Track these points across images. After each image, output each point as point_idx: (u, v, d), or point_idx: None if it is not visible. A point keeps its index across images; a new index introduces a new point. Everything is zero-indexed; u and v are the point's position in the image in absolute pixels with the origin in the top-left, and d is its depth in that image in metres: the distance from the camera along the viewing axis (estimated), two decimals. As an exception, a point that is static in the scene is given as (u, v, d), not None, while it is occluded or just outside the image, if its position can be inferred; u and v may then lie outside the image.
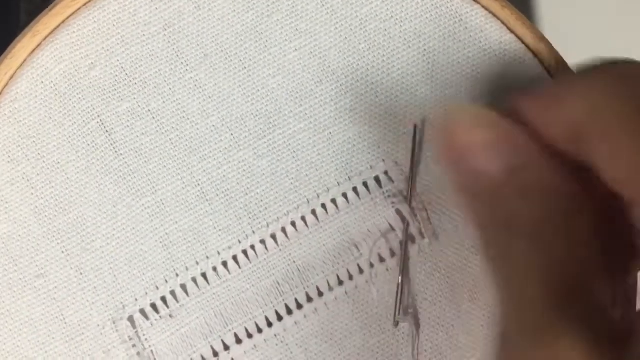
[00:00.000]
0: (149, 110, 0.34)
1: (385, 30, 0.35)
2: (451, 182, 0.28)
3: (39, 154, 0.34)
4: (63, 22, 0.34)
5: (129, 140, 0.34)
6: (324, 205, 0.34)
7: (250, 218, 0.34)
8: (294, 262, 0.34)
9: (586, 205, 0.27)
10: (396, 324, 0.33)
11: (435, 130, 0.31)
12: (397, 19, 0.35)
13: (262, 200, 0.34)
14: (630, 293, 0.28)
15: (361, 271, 0.34)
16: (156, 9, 0.35)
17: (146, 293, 0.33)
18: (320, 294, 0.34)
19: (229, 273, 0.34)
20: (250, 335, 0.33)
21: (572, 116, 0.27)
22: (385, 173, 0.34)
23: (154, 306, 0.33)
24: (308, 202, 0.34)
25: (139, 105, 0.34)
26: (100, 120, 0.34)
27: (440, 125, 0.29)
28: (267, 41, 0.35)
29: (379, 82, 0.34)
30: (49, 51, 0.34)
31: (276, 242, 0.34)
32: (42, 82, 0.34)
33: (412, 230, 0.34)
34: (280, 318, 0.34)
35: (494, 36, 0.34)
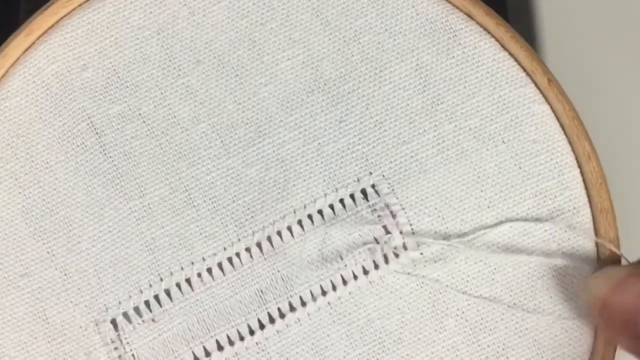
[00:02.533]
0: (140, 114, 0.34)
1: (379, 43, 0.35)
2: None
3: (28, 153, 0.34)
4: (57, 22, 0.34)
5: (118, 143, 0.34)
6: (310, 216, 0.34)
7: (236, 226, 0.34)
8: (278, 271, 0.34)
9: None
10: None
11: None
12: (391, 32, 0.35)
13: (248, 208, 0.34)
14: None
15: (345, 282, 0.34)
16: (150, 12, 0.35)
17: (130, 296, 0.33)
18: (303, 303, 0.34)
19: (213, 280, 0.34)
20: (232, 343, 0.34)
21: None
22: (372, 186, 0.34)
23: (137, 310, 0.34)
24: (294, 211, 0.34)
25: (130, 109, 0.34)
26: (91, 122, 0.34)
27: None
28: (260, 49, 0.35)
29: (370, 95, 0.34)
30: (42, 51, 0.34)
31: (261, 250, 0.34)
32: (34, 82, 0.34)
33: (396, 243, 0.34)
34: (262, 326, 0.34)
35: (487, 53, 0.34)
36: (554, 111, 0.34)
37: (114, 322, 0.33)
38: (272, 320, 0.34)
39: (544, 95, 0.34)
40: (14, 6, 0.51)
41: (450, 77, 0.34)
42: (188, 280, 0.34)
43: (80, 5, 0.34)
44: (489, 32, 0.34)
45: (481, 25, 0.35)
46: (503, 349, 0.33)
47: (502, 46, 0.34)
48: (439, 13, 0.35)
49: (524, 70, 0.34)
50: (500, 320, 0.33)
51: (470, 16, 0.35)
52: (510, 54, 0.34)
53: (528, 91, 0.34)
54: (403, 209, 0.34)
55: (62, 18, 0.34)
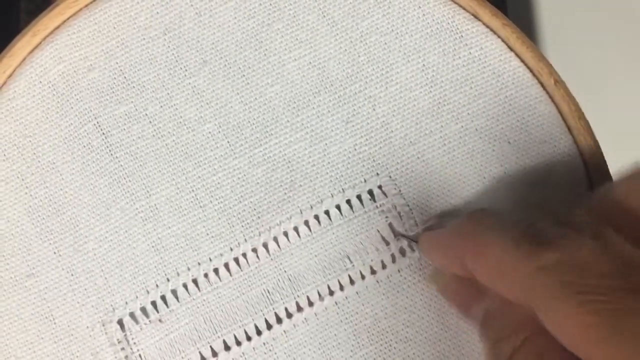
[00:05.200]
0: (146, 114, 0.34)
1: (385, 43, 0.35)
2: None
3: (34, 153, 0.34)
4: (63, 22, 0.34)
5: (125, 143, 0.34)
6: (316, 217, 0.34)
7: (242, 226, 0.34)
8: (285, 271, 0.34)
9: None
10: None
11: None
12: (397, 33, 0.35)
13: (255, 209, 0.34)
14: None
15: (352, 282, 0.34)
16: (157, 13, 0.35)
17: (136, 297, 0.33)
18: (311, 303, 0.34)
19: (220, 280, 0.34)
20: (239, 343, 0.34)
21: None
22: (379, 187, 0.34)
23: (143, 310, 0.34)
24: (301, 212, 0.34)
25: (136, 109, 0.34)
26: (97, 122, 0.34)
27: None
28: (266, 50, 0.35)
29: (377, 95, 0.34)
30: (49, 51, 0.34)
31: (268, 251, 0.34)
32: (41, 82, 0.34)
33: (403, 244, 0.34)
34: (269, 327, 0.34)
35: (493, 54, 0.34)
36: (560, 112, 0.34)
37: (120, 323, 0.33)
38: (279, 320, 0.34)
39: (550, 96, 0.34)
40: (15, 6, 0.51)
41: (457, 78, 0.34)
42: (195, 281, 0.34)
43: (86, 6, 0.34)
44: (495, 33, 0.35)
45: (487, 26, 0.35)
46: (509, 349, 0.34)
47: (508, 47, 0.35)
48: (445, 14, 0.35)
49: (530, 70, 0.34)
50: (507, 320, 0.34)
51: (476, 17, 0.35)
52: (517, 55, 0.34)
53: (534, 92, 0.34)
54: (410, 209, 0.34)
55: (68, 18, 0.34)
